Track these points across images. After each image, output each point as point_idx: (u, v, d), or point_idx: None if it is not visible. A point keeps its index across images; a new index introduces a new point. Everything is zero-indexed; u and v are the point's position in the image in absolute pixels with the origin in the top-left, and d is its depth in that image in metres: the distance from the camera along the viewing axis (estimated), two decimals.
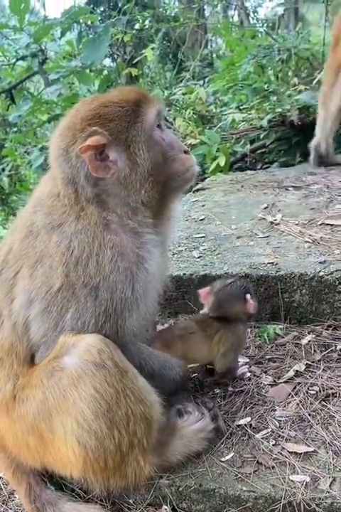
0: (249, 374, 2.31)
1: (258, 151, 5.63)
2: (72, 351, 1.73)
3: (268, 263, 2.74)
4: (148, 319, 2.02)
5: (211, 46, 14.07)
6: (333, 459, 1.84)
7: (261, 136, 5.54)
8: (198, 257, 3.01)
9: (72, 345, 1.74)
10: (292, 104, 5.48)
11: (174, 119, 5.60)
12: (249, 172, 4.88)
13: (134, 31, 8.27)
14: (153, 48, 6.99)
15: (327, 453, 1.87)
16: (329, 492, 1.71)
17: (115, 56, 6.82)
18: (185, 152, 1.94)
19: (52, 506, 1.91)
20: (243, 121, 5.93)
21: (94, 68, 6.47)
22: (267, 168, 5.50)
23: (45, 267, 1.79)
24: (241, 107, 6.51)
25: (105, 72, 7.17)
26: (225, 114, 6.00)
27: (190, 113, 5.57)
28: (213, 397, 2.20)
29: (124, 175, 1.81)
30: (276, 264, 2.72)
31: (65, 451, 1.74)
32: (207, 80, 9.62)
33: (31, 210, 1.92)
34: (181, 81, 9.92)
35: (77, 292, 1.76)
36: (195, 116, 5.72)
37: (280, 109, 5.40)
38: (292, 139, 5.41)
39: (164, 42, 11.87)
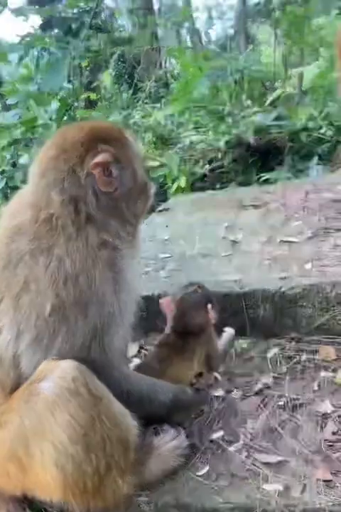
0: (221, 391, 2.39)
1: (217, 171, 5.82)
2: (48, 377, 1.76)
3: (232, 281, 2.85)
4: (127, 338, 2.09)
5: (165, 66, 14.34)
6: (303, 466, 1.93)
7: (219, 157, 5.73)
8: (165, 277, 3.10)
9: (48, 371, 1.77)
10: (247, 126, 5.71)
11: None
12: (209, 192, 5.03)
13: (91, 54, 8.35)
14: (109, 73, 7.09)
15: (298, 461, 1.96)
16: (301, 498, 1.79)
17: (72, 80, 6.91)
18: None
19: None
20: (200, 142, 6.11)
21: (52, 92, 6.53)
22: (225, 187, 5.68)
23: (31, 293, 1.80)
24: (198, 128, 6.70)
25: (62, 94, 7.24)
26: (183, 137, 6.15)
27: (149, 137, 5.69)
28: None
29: (126, 188, 1.97)
30: (240, 281, 2.83)
31: (44, 475, 1.76)
32: (163, 101, 9.82)
33: (7, 240, 1.92)
34: (137, 101, 10.08)
35: (68, 312, 1.80)
36: (154, 139, 5.85)
37: (236, 131, 5.60)
38: (248, 159, 5.63)
39: (119, 63, 12.04)
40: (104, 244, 1.90)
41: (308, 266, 2.87)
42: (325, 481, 1.86)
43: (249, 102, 6.53)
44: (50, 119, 8.81)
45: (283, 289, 2.68)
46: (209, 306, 2.40)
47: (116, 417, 1.81)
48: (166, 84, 12.25)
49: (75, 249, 1.84)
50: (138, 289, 2.19)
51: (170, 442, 2.02)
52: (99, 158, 1.87)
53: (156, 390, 2.10)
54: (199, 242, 3.55)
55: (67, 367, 1.76)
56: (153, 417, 2.10)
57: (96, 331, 1.85)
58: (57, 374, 1.75)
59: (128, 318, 2.01)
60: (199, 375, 2.46)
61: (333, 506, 1.76)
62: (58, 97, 7.87)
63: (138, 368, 2.32)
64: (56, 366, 1.77)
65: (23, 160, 6.62)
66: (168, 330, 2.45)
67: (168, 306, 2.41)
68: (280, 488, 1.85)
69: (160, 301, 2.44)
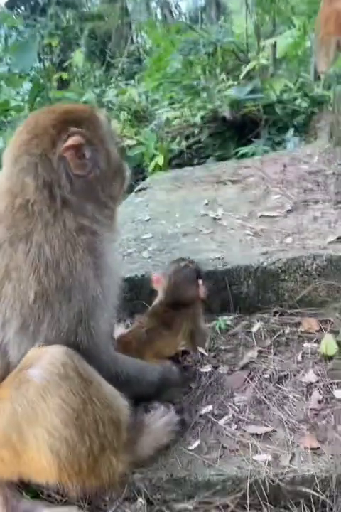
0: (209, 369, 2.44)
1: (194, 147, 5.81)
2: (37, 364, 1.77)
3: (215, 258, 2.89)
4: (112, 320, 2.11)
5: (137, 41, 14.15)
6: (291, 435, 2.00)
7: (196, 133, 5.72)
8: (148, 258, 3.11)
9: (37, 358, 1.79)
10: (222, 100, 5.69)
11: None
12: (187, 168, 5.03)
13: (60, 32, 8.19)
14: (81, 52, 6.96)
15: (285, 431, 2.03)
16: (290, 467, 1.87)
17: (43, 60, 6.76)
18: None
19: None
20: (176, 118, 6.08)
21: (23, 73, 6.40)
22: (203, 162, 5.68)
23: (13, 281, 1.81)
24: (173, 105, 6.66)
25: (34, 75, 7.09)
26: (159, 113, 6.11)
27: (124, 115, 5.64)
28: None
29: (100, 170, 1.96)
30: (223, 258, 2.87)
31: (39, 460, 1.78)
32: (137, 77, 9.71)
33: None
34: (110, 78, 9.94)
35: (51, 299, 1.81)
36: (129, 117, 5.80)
37: (211, 106, 5.59)
38: (225, 134, 5.63)
39: (90, 40, 11.83)
40: (82, 229, 1.90)
41: (289, 240, 2.93)
42: (312, 448, 1.93)
43: (223, 75, 6.49)
44: (22, 101, 8.68)
45: (265, 264, 2.73)
46: (200, 281, 2.45)
47: (107, 399, 1.85)
48: (139, 60, 12.11)
49: (54, 235, 1.84)
50: (120, 271, 2.22)
51: (160, 419, 2.07)
52: (71, 141, 1.85)
53: (143, 371, 2.14)
54: (180, 220, 3.57)
55: (56, 352, 1.78)
56: (143, 397, 2.14)
57: (81, 315, 1.87)
58: (47, 360, 1.76)
59: (112, 301, 2.03)
60: (184, 353, 2.52)
61: (321, 473, 1.84)
62: (29, 78, 7.73)
63: (123, 336, 2.37)
64: (45, 352, 1.79)
65: None
66: (157, 302, 2.50)
67: (158, 282, 2.46)
68: (270, 458, 1.92)
69: (152, 277, 2.50)
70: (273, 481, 1.85)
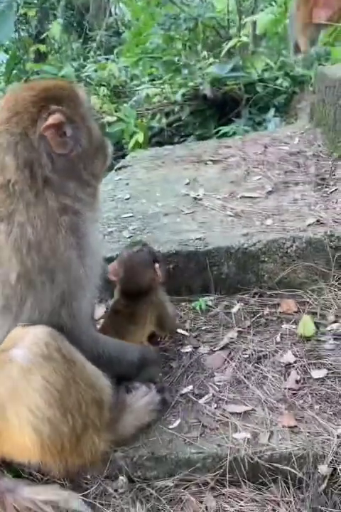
0: (189, 349, 2.47)
1: (174, 125, 5.77)
2: (20, 344, 1.78)
3: (196, 239, 2.90)
4: (94, 301, 2.11)
5: (116, 14, 13.84)
6: (269, 414, 2.06)
7: (176, 110, 5.68)
8: (129, 237, 3.10)
9: (20, 338, 1.79)
10: (203, 77, 5.65)
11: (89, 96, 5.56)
12: (167, 147, 4.99)
13: (36, 1, 7.96)
14: (58, 23, 6.79)
15: (264, 410, 2.08)
16: (268, 445, 1.92)
17: (20, 32, 6.58)
18: None
19: (11, 493, 1.97)
20: (156, 95, 6.02)
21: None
22: (184, 141, 5.65)
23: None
24: (153, 81, 6.57)
25: (10, 47, 6.92)
26: (138, 90, 6.03)
27: (104, 90, 5.55)
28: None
29: (82, 148, 1.94)
30: (204, 239, 2.88)
31: (22, 439, 1.80)
32: (115, 51, 9.54)
33: None
34: (88, 52, 9.74)
35: (34, 280, 1.80)
36: (108, 93, 5.72)
37: (192, 83, 5.54)
38: (206, 112, 5.60)
39: (67, 11, 11.52)
40: (64, 209, 1.89)
41: (269, 221, 2.95)
42: (290, 427, 1.99)
43: (204, 52, 6.42)
44: None
45: (245, 246, 2.75)
46: (157, 265, 2.40)
47: (90, 379, 1.87)
48: (117, 33, 11.86)
49: (36, 215, 1.83)
50: (102, 251, 2.22)
51: (142, 399, 2.10)
52: (51, 119, 1.83)
53: (124, 351, 2.17)
54: (160, 200, 3.56)
55: (40, 332, 1.78)
56: (123, 376, 2.16)
57: (64, 296, 1.87)
58: (30, 340, 1.77)
59: (94, 282, 2.04)
60: (152, 336, 2.51)
61: (298, 450, 1.89)
62: (3, 48, 7.53)
63: None
64: (28, 332, 1.79)
65: None
66: (117, 295, 2.47)
67: (114, 272, 2.39)
68: (249, 436, 1.98)
69: (109, 267, 2.39)
70: (252, 459, 1.90)
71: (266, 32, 8.09)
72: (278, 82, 6.00)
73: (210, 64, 5.99)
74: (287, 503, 1.87)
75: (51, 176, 1.87)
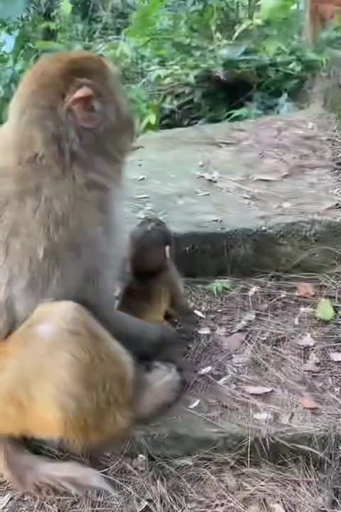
0: (207, 331, 2.47)
1: (185, 107, 5.72)
2: (47, 320, 1.77)
3: (213, 221, 2.89)
4: (116, 279, 2.11)
5: None
6: (289, 396, 2.06)
7: (187, 92, 5.62)
8: (144, 218, 3.08)
9: (47, 314, 1.78)
10: (215, 60, 5.59)
11: None
12: (179, 129, 4.95)
13: None
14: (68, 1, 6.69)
15: (284, 391, 2.08)
16: (290, 426, 1.93)
17: (29, 9, 6.50)
18: None
19: (31, 470, 1.98)
20: (167, 76, 5.96)
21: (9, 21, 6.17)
22: (194, 123, 5.61)
23: (22, 237, 1.77)
24: (164, 63, 6.50)
25: (19, 23, 6.86)
26: (149, 71, 5.97)
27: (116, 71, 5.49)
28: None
29: (110, 123, 1.90)
30: (221, 221, 2.87)
31: (46, 415, 1.80)
32: (123, 33, 9.42)
33: None
34: (93, 33, 9.63)
35: (61, 255, 1.78)
36: (120, 74, 5.66)
37: (205, 65, 5.48)
38: (217, 95, 5.55)
39: None
40: (92, 184, 1.87)
41: (286, 205, 2.94)
42: (310, 408, 1.99)
43: (217, 34, 6.34)
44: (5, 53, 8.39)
45: (263, 228, 2.74)
46: (167, 247, 2.36)
47: (115, 355, 1.86)
48: (123, 15, 11.72)
49: (63, 190, 1.81)
50: (125, 228, 2.20)
51: (162, 378, 2.10)
52: (79, 93, 1.80)
53: (144, 330, 2.16)
54: (174, 181, 3.54)
55: (66, 308, 1.77)
56: (142, 355, 2.15)
57: (90, 272, 1.86)
58: (57, 316, 1.76)
59: (118, 259, 2.04)
60: (168, 316, 2.50)
61: (320, 431, 1.90)
62: (7, 28, 7.43)
63: None
64: (54, 308, 1.78)
65: None
66: (129, 274, 2.42)
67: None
68: (270, 416, 1.98)
69: None
70: (273, 439, 1.91)
71: (269, 18, 7.97)
72: (291, 66, 5.93)
73: (223, 45, 5.90)
74: (308, 483, 1.87)
75: (79, 151, 1.84)
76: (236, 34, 6.31)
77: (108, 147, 1.93)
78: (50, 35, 7.01)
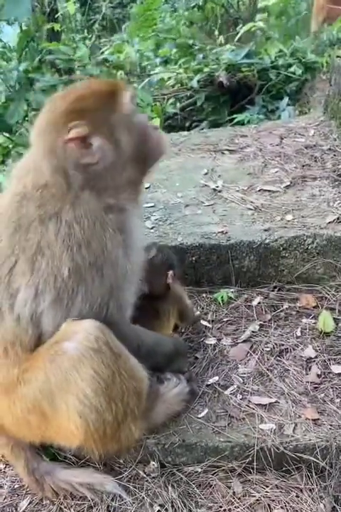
0: (213, 341, 2.59)
1: (187, 109, 5.80)
2: (73, 337, 1.89)
3: (219, 232, 2.99)
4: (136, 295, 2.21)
5: None
6: (293, 407, 2.18)
7: (189, 95, 5.70)
8: (152, 228, 3.19)
9: (72, 332, 1.90)
10: (218, 63, 5.66)
11: None
12: (183, 133, 5.03)
13: None
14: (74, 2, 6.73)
15: (287, 402, 2.21)
16: (293, 436, 2.05)
17: (34, 9, 6.52)
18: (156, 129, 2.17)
19: (49, 476, 2.12)
20: (170, 79, 6.04)
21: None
22: (196, 126, 5.70)
23: (46, 257, 1.88)
24: (166, 62, 6.57)
25: (24, 23, 6.87)
26: (153, 74, 6.04)
27: (121, 74, 5.57)
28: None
29: (110, 159, 1.96)
30: (226, 233, 2.98)
31: (67, 425, 1.92)
32: (124, 27, 9.47)
33: (16, 205, 1.98)
34: (93, 24, 9.65)
35: (84, 274, 1.90)
36: (126, 77, 5.74)
37: (207, 69, 5.56)
38: (219, 98, 5.63)
39: None
40: (109, 207, 1.98)
41: (289, 217, 3.04)
42: (313, 419, 2.11)
43: (221, 38, 6.41)
44: (9, 50, 8.40)
45: (267, 241, 2.85)
46: (171, 272, 2.45)
47: (133, 370, 1.99)
48: (122, 5, 11.67)
49: (82, 214, 1.92)
50: (143, 245, 2.29)
51: (173, 389, 2.22)
52: (72, 133, 1.88)
53: (160, 343, 2.28)
54: (180, 189, 3.64)
55: (90, 327, 1.90)
56: (155, 367, 2.28)
57: (112, 290, 1.98)
58: (81, 334, 1.88)
59: (138, 276, 2.16)
60: (175, 328, 2.63)
61: (322, 442, 2.02)
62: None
63: None
64: (79, 327, 1.90)
65: None
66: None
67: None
68: (275, 427, 2.10)
69: None
70: (278, 449, 2.03)
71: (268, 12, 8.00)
72: (291, 69, 6.01)
73: (225, 49, 5.96)
74: (310, 490, 2.01)
75: (85, 183, 1.94)
76: (238, 36, 6.37)
77: (114, 180, 2.00)
78: (54, 35, 7.04)
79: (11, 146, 7.18)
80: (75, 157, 1.91)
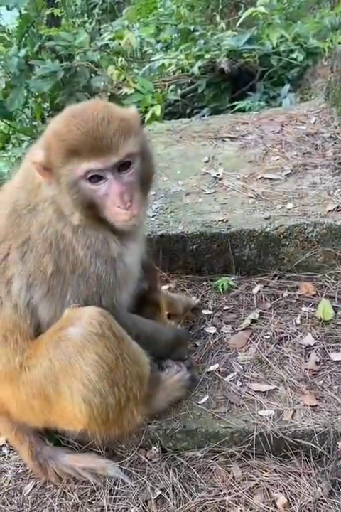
0: (213, 329, 2.62)
1: (188, 96, 5.79)
2: (76, 323, 1.93)
3: (219, 221, 3.01)
4: (134, 287, 2.24)
5: None
6: (291, 393, 2.22)
7: (190, 82, 5.68)
8: (152, 216, 3.21)
9: (75, 318, 1.94)
10: (220, 49, 5.63)
11: (106, 67, 5.56)
12: (184, 120, 5.02)
13: None
14: None
15: (286, 389, 2.25)
16: (292, 422, 2.09)
17: None
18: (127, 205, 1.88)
19: (52, 460, 2.17)
20: (171, 65, 6.01)
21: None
22: (197, 113, 5.68)
23: (33, 251, 1.94)
24: (167, 48, 6.54)
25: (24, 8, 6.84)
26: (154, 60, 6.01)
27: (122, 60, 5.54)
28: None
29: (59, 196, 1.92)
30: (227, 221, 3.00)
31: (72, 409, 1.96)
32: (124, 12, 9.37)
33: (18, 185, 2.04)
34: (93, 8, 9.58)
35: (69, 277, 1.95)
36: (126, 64, 5.72)
37: (209, 55, 5.53)
38: (221, 85, 5.61)
39: None
40: (73, 229, 1.95)
41: (290, 205, 3.05)
42: (311, 406, 2.15)
43: (222, 24, 6.35)
44: (8, 34, 8.37)
45: (267, 230, 2.87)
46: None
47: (135, 355, 2.03)
48: None
49: (50, 222, 1.95)
50: (141, 251, 2.27)
51: (174, 376, 2.27)
52: (32, 156, 1.91)
53: (160, 331, 2.32)
54: (181, 177, 3.65)
55: (93, 312, 1.94)
56: (156, 355, 2.31)
57: (101, 292, 2.01)
58: (85, 320, 1.92)
59: (132, 278, 2.17)
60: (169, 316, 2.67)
61: (320, 428, 2.06)
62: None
63: None
64: (82, 312, 1.95)
65: None
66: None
67: None
68: (274, 413, 2.14)
69: None
70: (277, 435, 2.07)
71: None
72: (293, 55, 5.98)
73: (227, 35, 5.92)
74: (308, 474, 2.05)
75: (50, 197, 1.96)
76: (240, 21, 6.32)
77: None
78: (53, 20, 7.01)
79: (11, 132, 7.18)
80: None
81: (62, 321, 1.96)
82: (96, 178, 1.86)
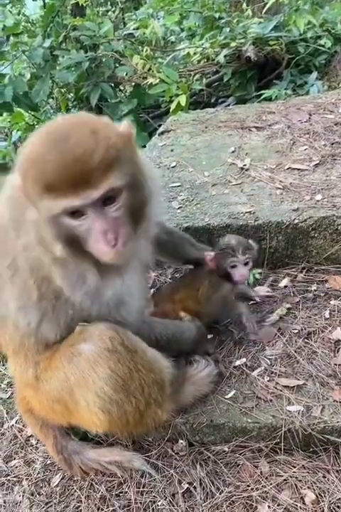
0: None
1: (213, 85, 5.72)
2: (88, 339, 1.93)
3: (246, 212, 2.97)
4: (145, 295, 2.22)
5: None
6: (320, 389, 2.18)
7: (215, 71, 5.61)
8: (178, 208, 3.19)
9: (87, 335, 1.93)
10: (245, 37, 5.54)
11: (130, 56, 5.53)
12: (209, 110, 4.98)
13: None
14: None
15: (315, 384, 2.21)
16: (321, 418, 2.06)
17: None
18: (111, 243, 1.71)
19: (77, 455, 2.19)
20: (196, 54, 5.94)
21: None
22: (222, 102, 5.61)
23: (19, 273, 1.86)
24: (191, 36, 6.46)
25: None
26: (179, 49, 5.95)
27: (146, 50, 5.50)
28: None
29: (40, 224, 1.76)
30: (254, 212, 2.96)
31: (90, 417, 1.97)
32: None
33: (6, 197, 1.90)
34: None
35: (57, 303, 1.90)
36: (152, 53, 5.67)
37: (234, 43, 5.45)
38: (246, 73, 5.53)
39: None
40: (75, 270, 1.84)
41: (318, 196, 2.99)
42: (340, 402, 2.11)
43: (248, 10, 6.23)
44: (32, 23, 8.39)
45: (296, 221, 2.82)
46: (208, 253, 2.49)
47: (150, 364, 2.01)
48: None
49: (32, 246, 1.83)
50: (148, 261, 2.18)
51: (202, 371, 2.26)
52: (12, 177, 1.80)
53: (181, 330, 2.31)
54: (207, 168, 3.61)
55: (104, 328, 1.93)
56: (181, 352, 2.31)
57: (104, 311, 1.96)
58: (96, 336, 1.91)
59: (137, 295, 2.06)
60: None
61: None
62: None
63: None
64: (93, 329, 1.94)
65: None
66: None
67: (211, 261, 2.48)
68: (302, 409, 2.11)
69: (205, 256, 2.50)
70: (305, 430, 2.05)
71: None
72: (321, 41, 5.85)
73: (252, 22, 5.81)
74: (337, 471, 2.02)
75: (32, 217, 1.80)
76: (266, 7, 6.20)
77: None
78: (78, 10, 7.00)
79: (35, 123, 7.22)
80: None
81: (74, 336, 1.96)
82: (77, 213, 1.67)
